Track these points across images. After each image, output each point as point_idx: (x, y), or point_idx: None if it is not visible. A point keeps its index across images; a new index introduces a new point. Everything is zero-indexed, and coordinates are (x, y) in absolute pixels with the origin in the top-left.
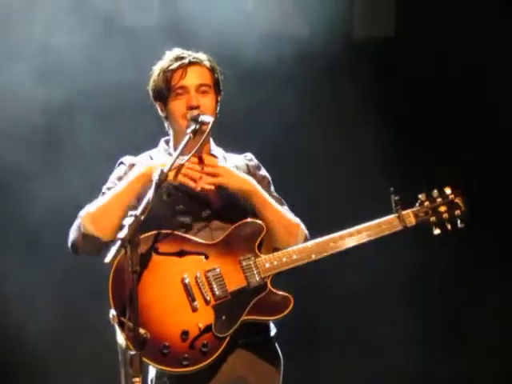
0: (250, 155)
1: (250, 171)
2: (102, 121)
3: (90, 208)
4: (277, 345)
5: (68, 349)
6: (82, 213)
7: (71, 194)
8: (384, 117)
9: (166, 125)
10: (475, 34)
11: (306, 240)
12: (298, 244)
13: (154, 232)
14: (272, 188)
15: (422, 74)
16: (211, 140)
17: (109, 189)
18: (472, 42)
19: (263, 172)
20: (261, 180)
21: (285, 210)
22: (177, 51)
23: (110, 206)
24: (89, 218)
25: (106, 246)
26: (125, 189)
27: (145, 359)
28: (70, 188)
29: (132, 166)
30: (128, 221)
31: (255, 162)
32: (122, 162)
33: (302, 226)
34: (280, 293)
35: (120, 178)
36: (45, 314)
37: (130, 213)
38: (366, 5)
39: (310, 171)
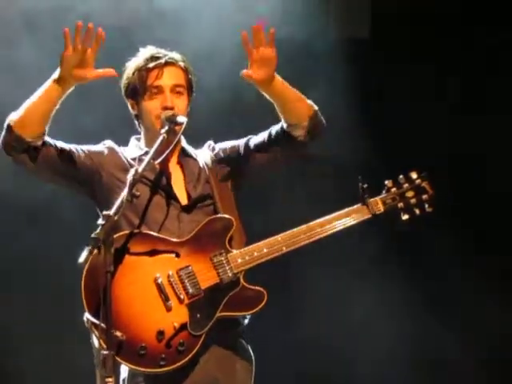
0: (211, 143)
1: (218, 160)
2: None
3: None
4: (249, 347)
5: None
6: None
7: None
8: (359, 117)
9: (136, 122)
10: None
11: (316, 113)
12: (309, 115)
13: (125, 232)
14: (249, 140)
15: (397, 76)
16: (183, 139)
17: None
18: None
19: (228, 145)
20: (232, 154)
21: None
22: (152, 50)
23: (33, 100)
24: (16, 114)
25: (31, 148)
26: (47, 86)
27: (122, 361)
28: None
29: (110, 148)
30: (101, 220)
31: (215, 146)
32: (103, 143)
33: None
34: (253, 287)
35: (93, 152)
36: None
37: (104, 212)
38: (341, 6)
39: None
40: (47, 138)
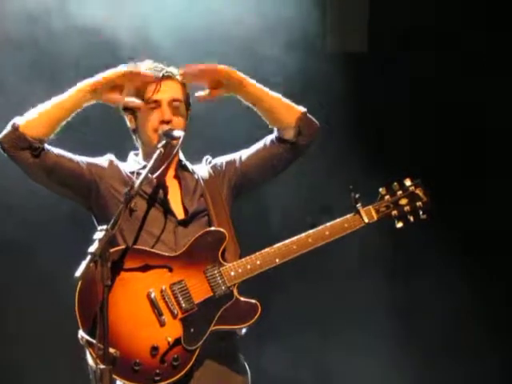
0: (208, 157)
1: (214, 174)
2: None
3: None
4: (245, 361)
5: None
6: None
7: None
8: (356, 131)
9: (134, 137)
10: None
11: (304, 114)
12: (297, 116)
13: (118, 248)
14: (243, 153)
15: (395, 88)
16: (180, 152)
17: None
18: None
19: (224, 159)
20: (228, 167)
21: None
22: (149, 63)
23: (48, 105)
24: (26, 114)
25: (31, 149)
26: (68, 95)
27: (117, 377)
28: None
29: (111, 161)
30: (98, 235)
31: (212, 160)
32: (104, 157)
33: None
34: (247, 300)
35: (93, 164)
36: None
37: (101, 227)
38: (338, 20)
39: (282, 179)
40: (47, 146)
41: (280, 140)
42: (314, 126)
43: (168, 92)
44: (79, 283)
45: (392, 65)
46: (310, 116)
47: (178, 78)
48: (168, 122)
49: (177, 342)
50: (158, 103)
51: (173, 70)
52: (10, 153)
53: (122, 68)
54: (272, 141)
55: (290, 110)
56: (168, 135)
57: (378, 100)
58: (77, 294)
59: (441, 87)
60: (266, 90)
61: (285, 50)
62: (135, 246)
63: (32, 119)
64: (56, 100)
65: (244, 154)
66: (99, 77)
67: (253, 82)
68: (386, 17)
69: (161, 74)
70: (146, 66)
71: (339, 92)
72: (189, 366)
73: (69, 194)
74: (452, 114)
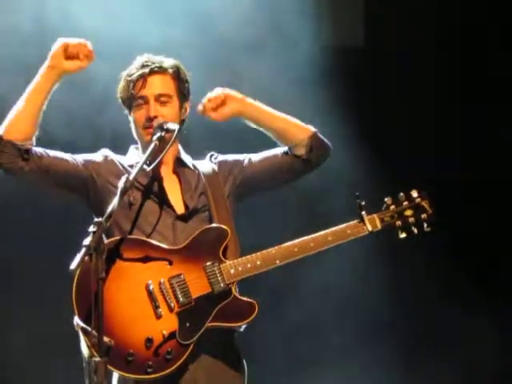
0: (213, 153)
1: (219, 170)
2: None
3: None
4: (242, 357)
5: None
6: None
7: None
8: (352, 126)
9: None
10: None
11: (315, 134)
12: (308, 135)
13: (118, 238)
14: (252, 155)
15: (390, 83)
16: (180, 147)
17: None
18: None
19: (231, 157)
20: (234, 165)
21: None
22: (144, 58)
23: (19, 103)
24: (3, 122)
25: (20, 154)
26: (34, 84)
27: (109, 367)
28: None
29: (106, 156)
30: (93, 227)
31: (219, 157)
32: (99, 152)
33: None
34: (244, 299)
35: (88, 160)
36: None
37: (95, 220)
38: (334, 14)
39: None
40: (38, 148)
41: (290, 154)
42: (325, 146)
43: (154, 87)
44: (76, 274)
45: (387, 58)
46: (321, 136)
47: (169, 71)
48: (154, 118)
49: (172, 335)
50: (145, 99)
51: (165, 63)
52: (3, 165)
53: (60, 39)
54: (285, 152)
55: (300, 129)
56: (163, 128)
57: (373, 94)
58: (74, 283)
59: (444, 82)
60: (271, 110)
61: (279, 45)
62: (136, 237)
63: (11, 123)
64: (26, 94)
65: (254, 156)
66: (49, 54)
67: (256, 102)
68: (382, 10)
69: (147, 70)
70: (139, 62)
71: (335, 86)
72: (182, 361)
73: (67, 194)
74: (453, 110)
